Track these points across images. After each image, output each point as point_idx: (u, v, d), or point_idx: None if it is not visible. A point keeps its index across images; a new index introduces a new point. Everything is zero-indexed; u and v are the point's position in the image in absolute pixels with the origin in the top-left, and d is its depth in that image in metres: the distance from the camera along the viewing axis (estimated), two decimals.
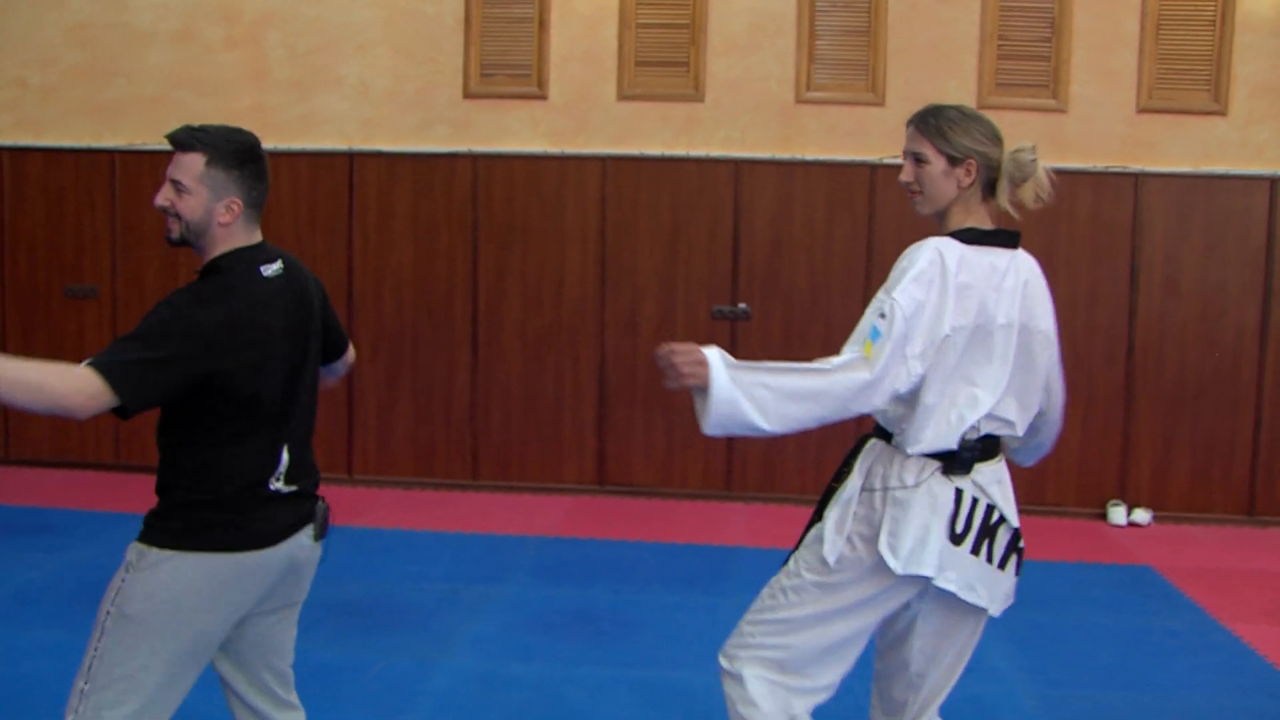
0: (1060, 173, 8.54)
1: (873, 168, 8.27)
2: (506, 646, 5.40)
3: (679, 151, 8.42)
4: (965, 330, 3.03)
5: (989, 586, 3.11)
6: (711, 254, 8.44)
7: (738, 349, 8.34)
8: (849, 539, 3.11)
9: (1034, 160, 3.16)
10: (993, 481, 3.13)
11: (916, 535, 3.02)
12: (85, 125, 8.77)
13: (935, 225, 3.21)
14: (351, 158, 8.56)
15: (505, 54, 8.48)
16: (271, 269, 3.00)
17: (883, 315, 2.96)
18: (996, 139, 3.15)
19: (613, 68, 8.42)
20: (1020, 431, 3.20)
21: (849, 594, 3.11)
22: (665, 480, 8.54)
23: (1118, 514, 8.21)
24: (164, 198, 2.94)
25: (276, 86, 8.63)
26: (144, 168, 8.68)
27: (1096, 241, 8.24)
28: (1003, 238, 3.17)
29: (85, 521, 7.39)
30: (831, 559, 3.10)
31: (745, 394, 2.87)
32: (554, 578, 6.54)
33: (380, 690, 4.84)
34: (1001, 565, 3.12)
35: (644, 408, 8.52)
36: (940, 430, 3.05)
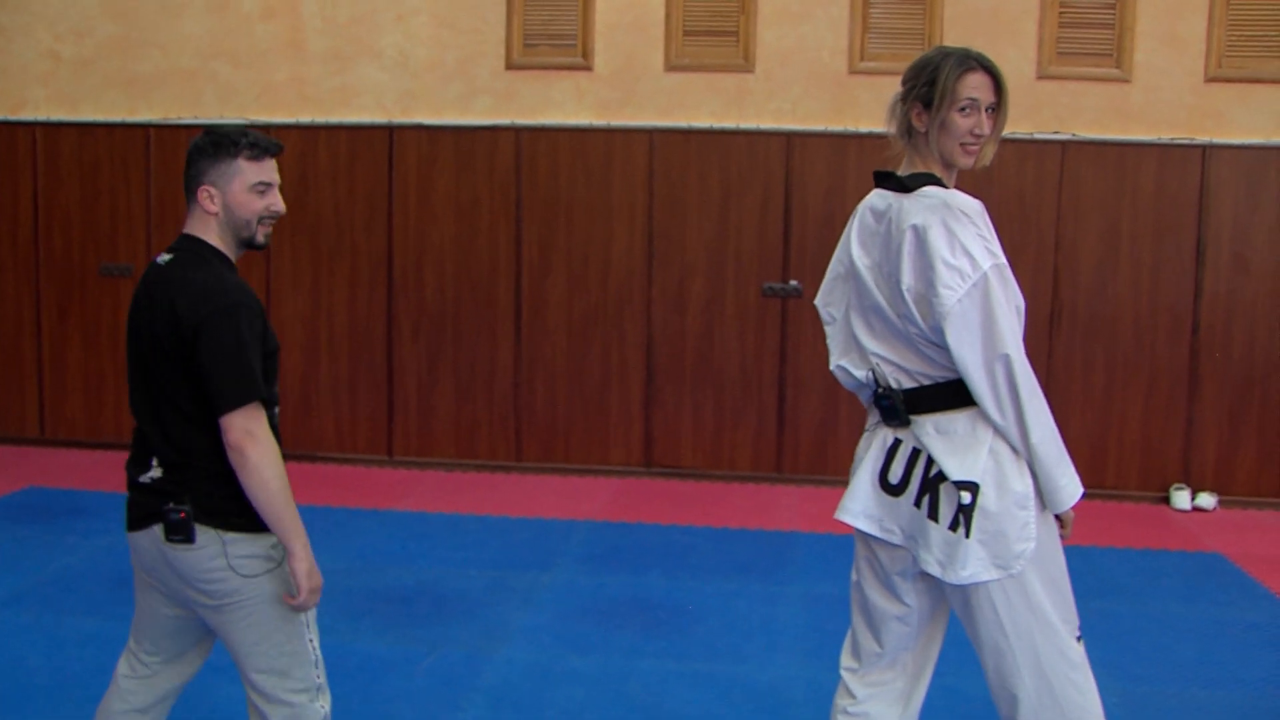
0: (1124, 145, 8.29)
1: None
2: (561, 637, 5.19)
3: (729, 124, 8.17)
4: (841, 277, 3.21)
5: (935, 545, 2.96)
6: (762, 229, 8.19)
7: (788, 327, 8.17)
8: None
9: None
10: (933, 432, 2.97)
11: (851, 481, 3.16)
12: (119, 99, 8.58)
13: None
14: (391, 131, 8.34)
15: (549, 23, 8.24)
16: (161, 257, 3.10)
17: None
18: (911, 73, 3.13)
19: (660, 37, 8.17)
20: (925, 377, 3.00)
21: None
22: (714, 462, 8.32)
23: (1181, 498, 7.94)
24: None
25: (314, 58, 8.42)
26: (179, 142, 8.48)
27: (1161, 216, 7.94)
28: (891, 181, 3.10)
29: (122, 504, 7.22)
30: None
31: None
32: (605, 564, 6.33)
33: (432, 685, 4.64)
34: (953, 526, 2.92)
35: (692, 387, 8.29)
36: (847, 379, 3.21)
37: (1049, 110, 7.91)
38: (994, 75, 3.02)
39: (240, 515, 2.97)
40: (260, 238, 3.07)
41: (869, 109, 8.04)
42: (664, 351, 8.28)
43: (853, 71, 8.06)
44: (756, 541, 6.84)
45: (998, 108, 3.03)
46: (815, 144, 8.10)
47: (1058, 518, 2.99)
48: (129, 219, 8.61)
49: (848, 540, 6.79)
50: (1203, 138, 7.89)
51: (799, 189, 8.14)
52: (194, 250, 3.04)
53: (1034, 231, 7.87)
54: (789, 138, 8.12)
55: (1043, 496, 2.92)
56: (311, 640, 3.10)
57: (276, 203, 3.06)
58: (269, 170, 3.04)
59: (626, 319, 8.29)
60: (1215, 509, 7.92)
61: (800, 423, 8.23)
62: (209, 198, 3.01)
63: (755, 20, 8.10)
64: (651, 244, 8.24)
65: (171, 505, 2.97)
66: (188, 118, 8.47)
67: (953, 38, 7.94)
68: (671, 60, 8.17)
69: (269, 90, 8.47)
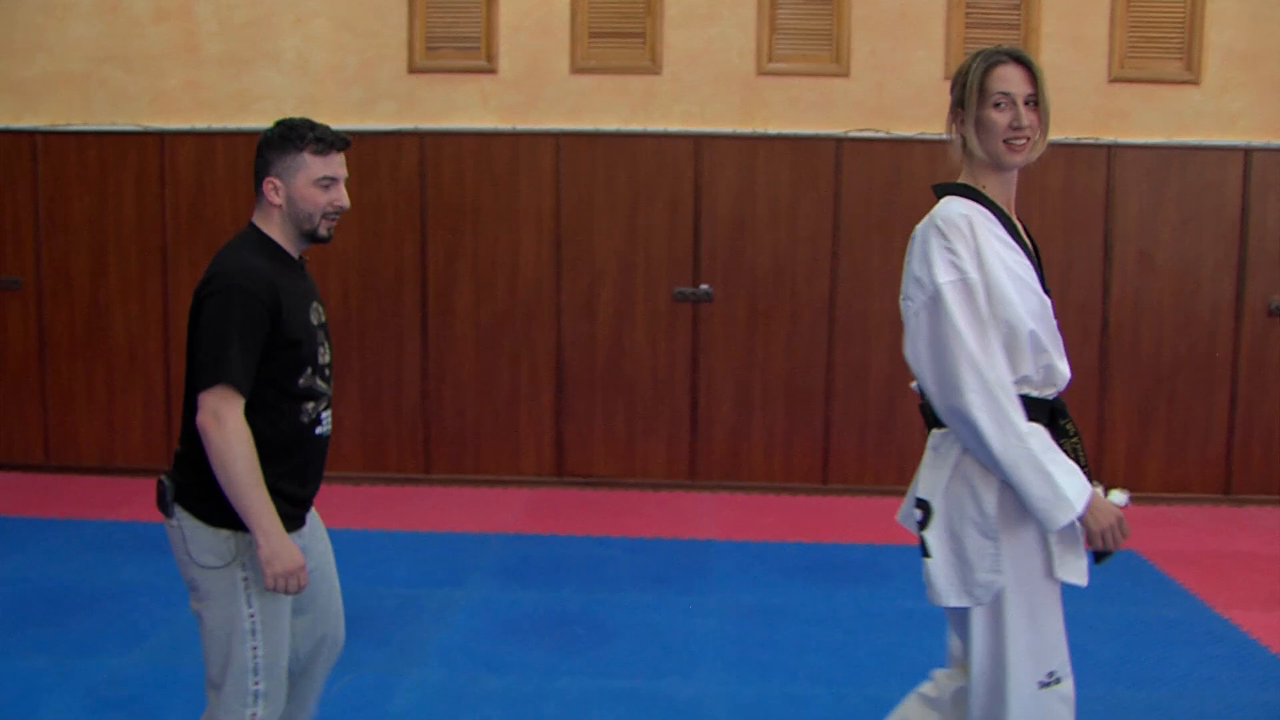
0: None
1: (838, 141, 7.94)
2: (476, 657, 5.03)
3: (636, 127, 8.06)
4: None
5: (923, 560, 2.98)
6: (671, 233, 8.09)
7: (700, 332, 8.08)
8: None
9: None
10: (928, 446, 3.00)
11: None
12: (3, 104, 8.24)
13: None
14: None
15: (452, 26, 8.07)
16: None
17: None
18: (953, 81, 3.01)
19: (566, 39, 8.04)
20: (936, 402, 2.87)
21: None
22: (627, 470, 8.20)
23: None
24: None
25: (209, 61, 8.17)
26: (69, 149, 8.18)
27: (1069, 215, 7.98)
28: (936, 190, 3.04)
29: (14, 528, 6.93)
30: None
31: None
32: (519, 578, 6.18)
33: (343, 711, 4.46)
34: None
35: (604, 394, 8.16)
36: None
37: None
38: (1026, 65, 2.90)
39: (202, 502, 2.99)
40: (323, 231, 3.11)
41: (778, 110, 7.98)
42: (574, 359, 8.15)
43: (761, 73, 7.99)
44: (672, 551, 6.73)
45: (1037, 99, 2.90)
46: (724, 146, 8.02)
47: (1084, 524, 2.82)
48: (16, 229, 8.27)
49: (765, 548, 6.76)
50: (1108, 138, 7.94)
51: (708, 192, 8.05)
52: (244, 235, 3.11)
53: None
54: (697, 140, 8.03)
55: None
56: (255, 647, 3.03)
57: (341, 198, 3.10)
58: (334, 165, 3.08)
59: (535, 326, 8.15)
60: (1127, 505, 7.94)
61: (713, 428, 8.14)
62: (274, 189, 3.07)
63: (662, 22, 8.00)
64: (560, 250, 8.10)
65: (162, 478, 3.07)
66: (77, 124, 8.17)
67: (860, 39, 7.92)
68: (577, 62, 8.04)
69: (163, 95, 8.20)
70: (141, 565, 6.18)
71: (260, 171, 3.09)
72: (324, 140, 3.06)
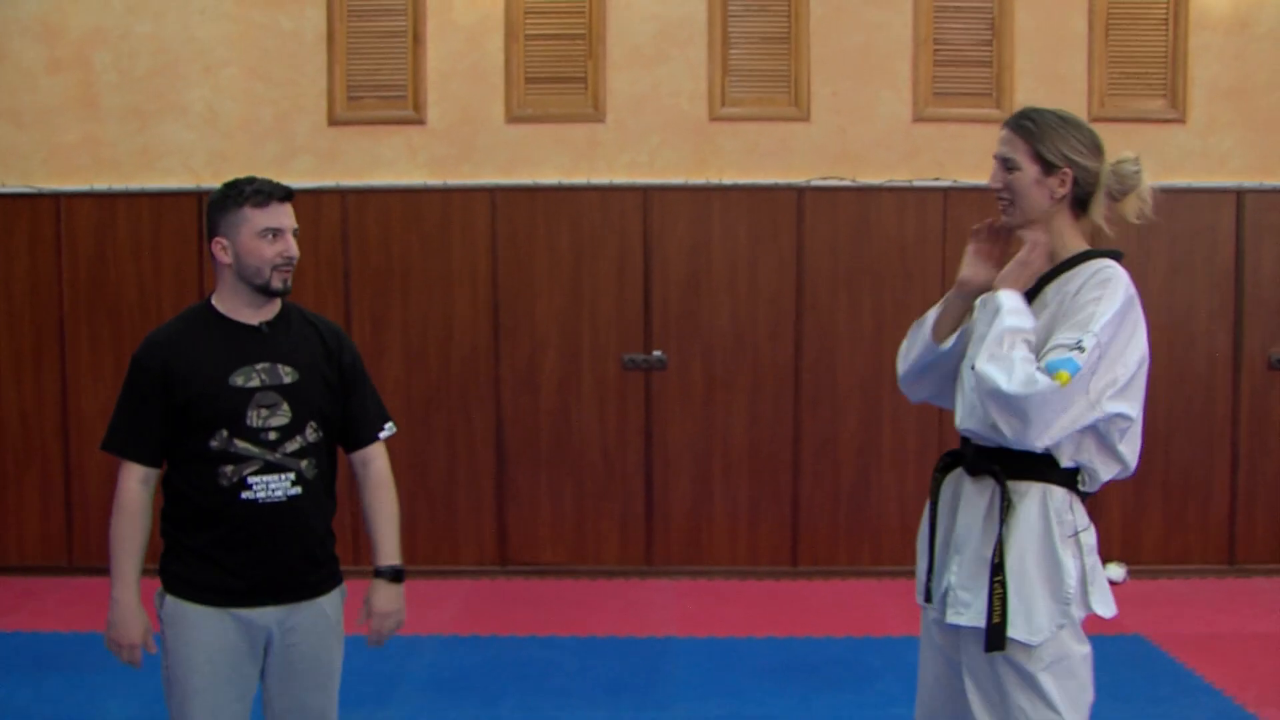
0: None
1: (799, 191, 7.34)
2: None
3: (579, 179, 7.46)
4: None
5: None
6: (620, 295, 7.44)
7: (653, 403, 7.38)
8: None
9: (1138, 172, 2.90)
10: None
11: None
12: None
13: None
14: (200, 197, 7.39)
15: (375, 73, 7.44)
16: None
17: (1080, 348, 2.66)
18: (1097, 150, 2.93)
19: (500, 86, 7.43)
20: None
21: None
22: (577, 556, 7.48)
23: None
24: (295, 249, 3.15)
25: (110, 115, 7.48)
26: None
27: None
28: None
29: None
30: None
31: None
32: (453, 692, 5.42)
33: None
34: None
35: (549, 474, 7.46)
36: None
37: (928, 155, 7.32)
38: (1008, 124, 2.92)
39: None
40: (276, 283, 3.10)
41: (733, 158, 7.38)
42: (516, 435, 7.45)
43: (714, 118, 7.42)
44: (627, 652, 5.98)
45: (1006, 160, 2.89)
46: (675, 198, 7.41)
47: None
48: None
49: (731, 645, 6.02)
50: None
51: (659, 249, 7.42)
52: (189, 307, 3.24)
53: (918, 287, 7.22)
54: (646, 192, 7.43)
55: None
56: (172, 709, 3.11)
57: (289, 248, 3.10)
58: (276, 215, 3.08)
59: (472, 400, 7.45)
60: (1125, 581, 7.30)
61: (670, 509, 7.45)
62: (222, 249, 3.09)
63: (605, 65, 7.40)
64: (497, 315, 7.43)
65: None
66: None
67: (821, 79, 7.35)
68: (513, 111, 7.43)
69: (58, 153, 7.50)
70: (15, 688, 5.38)
71: (209, 234, 3.09)
72: (262, 192, 3.06)
